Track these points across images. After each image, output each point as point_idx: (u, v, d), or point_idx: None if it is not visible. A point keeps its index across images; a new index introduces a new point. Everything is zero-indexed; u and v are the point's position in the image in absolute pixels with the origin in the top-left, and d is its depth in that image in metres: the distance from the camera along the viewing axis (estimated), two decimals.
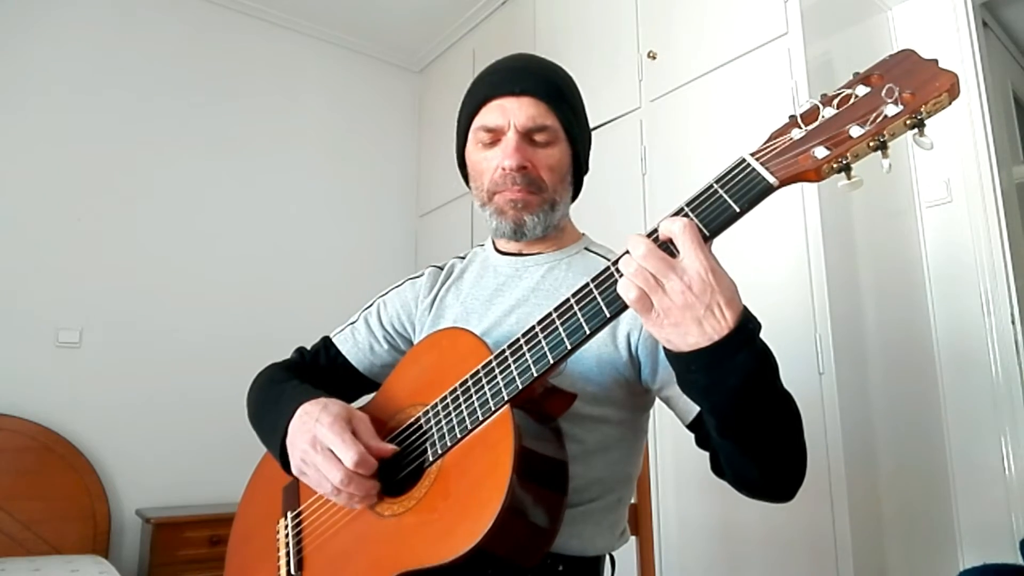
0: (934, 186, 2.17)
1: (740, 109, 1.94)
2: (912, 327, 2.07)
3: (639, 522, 1.19)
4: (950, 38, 2.17)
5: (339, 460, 0.78)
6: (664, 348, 0.68)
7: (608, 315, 0.68)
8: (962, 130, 2.13)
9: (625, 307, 0.68)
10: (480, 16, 3.22)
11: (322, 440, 0.80)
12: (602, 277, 0.70)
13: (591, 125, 1.05)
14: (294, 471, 0.86)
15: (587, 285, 0.71)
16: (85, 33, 2.77)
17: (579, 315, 0.70)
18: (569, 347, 0.71)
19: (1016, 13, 2.65)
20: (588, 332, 0.70)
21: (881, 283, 1.96)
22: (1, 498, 2.29)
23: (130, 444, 2.60)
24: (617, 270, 0.67)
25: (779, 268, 1.80)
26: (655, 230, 0.66)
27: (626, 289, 0.64)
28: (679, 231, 0.62)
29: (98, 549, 2.39)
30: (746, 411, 0.69)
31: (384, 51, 3.61)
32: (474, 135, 0.98)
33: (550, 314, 0.73)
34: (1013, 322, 1.97)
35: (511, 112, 0.94)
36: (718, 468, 0.84)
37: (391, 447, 0.82)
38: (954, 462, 2.02)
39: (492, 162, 0.95)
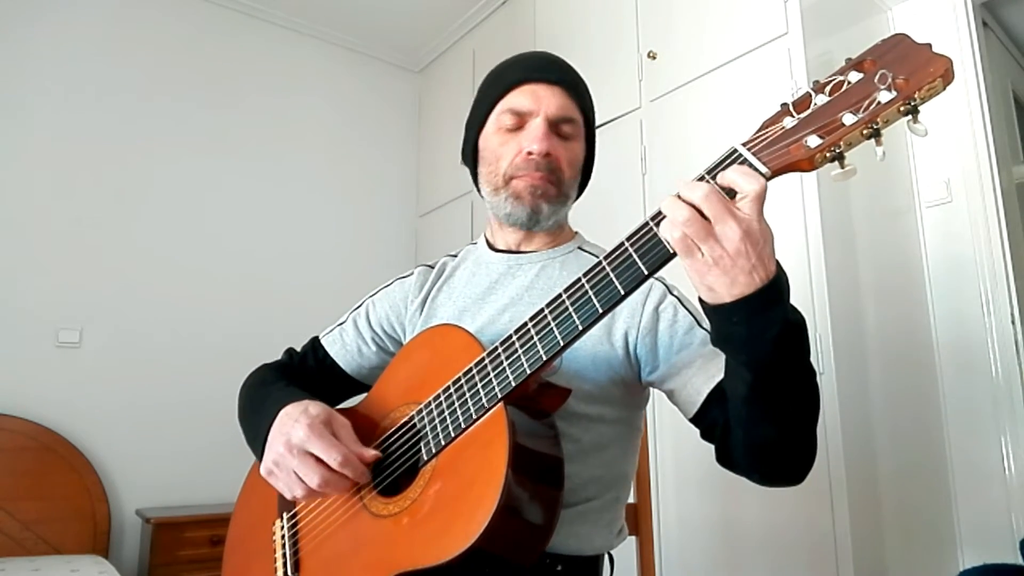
0: (934, 186, 2.16)
1: (740, 109, 1.94)
2: (912, 327, 2.07)
3: (639, 521, 1.19)
4: (950, 38, 2.17)
5: (320, 462, 0.77)
6: (700, 299, 0.66)
7: (600, 310, 0.68)
8: (962, 130, 2.12)
9: (618, 302, 0.67)
10: (480, 16, 3.22)
11: (298, 444, 0.78)
12: (592, 272, 0.69)
13: None
14: (262, 472, 0.84)
15: (579, 280, 0.70)
16: (85, 33, 2.77)
17: (571, 310, 0.70)
18: (562, 343, 0.70)
19: (1016, 13, 2.65)
20: (581, 328, 0.69)
21: (881, 283, 1.96)
22: (1, 498, 2.28)
23: (130, 444, 2.60)
24: (659, 215, 0.63)
25: None
26: (702, 176, 0.63)
27: (670, 229, 0.60)
28: (748, 184, 0.59)
29: (98, 549, 2.39)
30: (782, 365, 0.67)
31: (384, 51, 3.61)
32: (498, 118, 0.96)
33: (542, 310, 0.73)
34: (1013, 322, 1.97)
35: (543, 98, 0.93)
36: (726, 456, 0.80)
37: (373, 452, 0.80)
38: (954, 462, 2.02)
39: (513, 147, 0.94)
